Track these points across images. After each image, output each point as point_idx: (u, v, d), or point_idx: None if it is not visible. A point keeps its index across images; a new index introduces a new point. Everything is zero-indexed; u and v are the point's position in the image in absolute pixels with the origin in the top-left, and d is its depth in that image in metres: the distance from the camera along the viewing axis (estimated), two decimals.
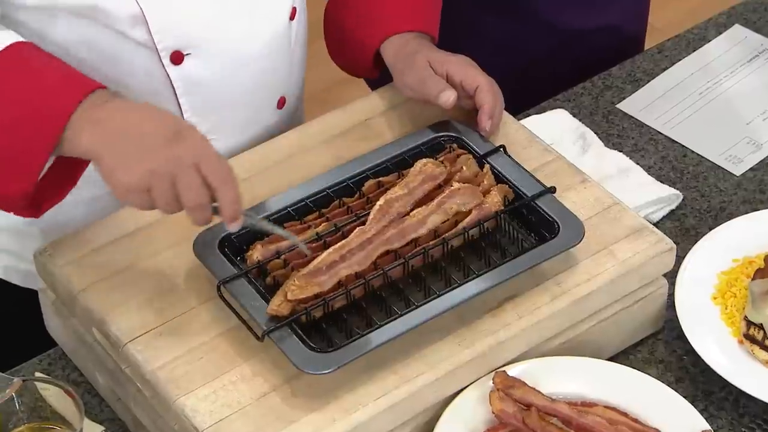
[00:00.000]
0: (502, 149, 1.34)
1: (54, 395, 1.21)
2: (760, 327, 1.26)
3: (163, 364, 1.19)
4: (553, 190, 1.30)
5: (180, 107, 1.34)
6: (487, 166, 1.32)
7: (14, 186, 1.18)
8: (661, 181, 1.49)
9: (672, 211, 1.46)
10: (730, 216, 1.44)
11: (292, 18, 1.38)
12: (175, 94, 1.33)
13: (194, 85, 1.33)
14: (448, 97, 1.33)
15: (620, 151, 1.52)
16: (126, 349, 1.21)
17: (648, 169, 1.51)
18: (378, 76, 1.47)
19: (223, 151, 1.38)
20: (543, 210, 1.28)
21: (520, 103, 1.57)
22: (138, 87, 1.30)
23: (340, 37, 1.46)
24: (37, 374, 1.31)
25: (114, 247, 1.29)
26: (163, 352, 1.20)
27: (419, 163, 1.30)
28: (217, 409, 1.16)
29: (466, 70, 1.36)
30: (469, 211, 1.27)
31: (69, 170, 1.23)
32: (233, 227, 1.16)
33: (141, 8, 1.26)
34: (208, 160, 1.13)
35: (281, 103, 1.42)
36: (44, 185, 1.20)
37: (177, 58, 1.30)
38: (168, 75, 1.31)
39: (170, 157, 1.12)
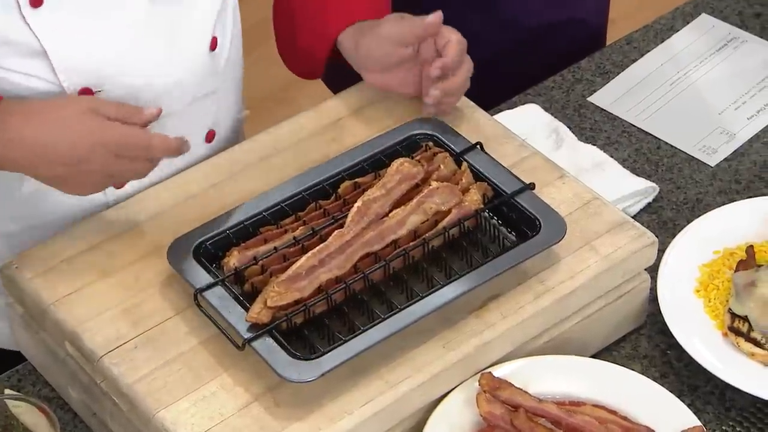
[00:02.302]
0: (478, 146, 1.32)
1: (26, 413, 1.18)
2: (745, 319, 1.25)
3: (141, 376, 1.16)
4: (532, 186, 1.28)
5: None
6: (464, 164, 1.29)
7: None
8: (637, 174, 1.48)
9: (648, 204, 1.45)
10: (707, 207, 1.43)
11: (212, 48, 1.31)
12: None
13: None
14: (437, 15, 1.28)
15: (593, 145, 1.51)
16: (101, 362, 1.17)
17: (622, 162, 1.49)
18: (320, 76, 1.44)
19: (146, 182, 1.33)
20: (523, 207, 1.26)
21: (490, 99, 1.55)
22: None
23: (292, 31, 1.41)
24: (7, 391, 1.27)
25: (84, 258, 1.25)
26: (140, 365, 1.17)
27: (396, 163, 1.28)
28: (199, 421, 1.13)
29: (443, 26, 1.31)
30: (449, 211, 1.25)
31: None
32: (186, 150, 1.21)
33: (42, 45, 1.20)
34: (118, 147, 1.17)
35: (210, 137, 1.37)
36: None
37: (86, 94, 1.24)
38: None
39: (91, 172, 1.17)
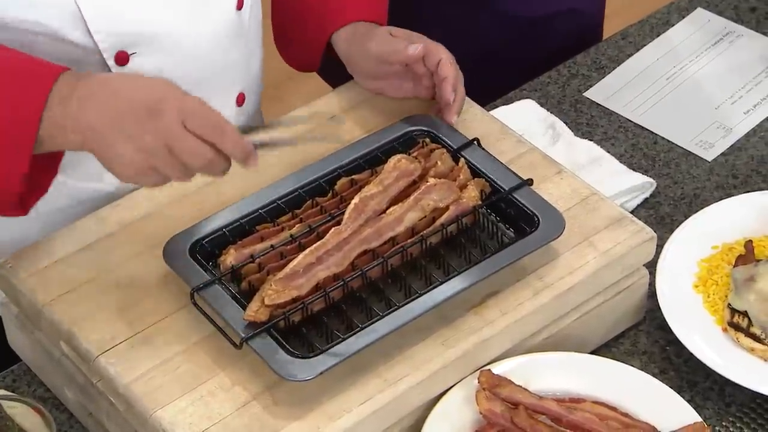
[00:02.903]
0: (476, 142, 1.31)
1: (22, 414, 1.16)
2: (745, 314, 1.25)
3: (138, 376, 1.15)
4: (530, 182, 1.27)
5: None
6: (462, 160, 1.29)
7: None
8: (633, 169, 1.47)
9: (646, 200, 1.44)
10: (705, 202, 1.42)
11: (239, 7, 1.33)
12: None
13: None
14: (416, 47, 1.31)
15: (590, 140, 1.50)
16: (97, 362, 1.16)
17: (619, 158, 1.48)
18: (317, 69, 1.45)
19: None
20: (521, 203, 1.25)
21: (486, 95, 1.54)
22: None
23: (290, 23, 1.42)
24: (2, 392, 1.26)
25: (79, 257, 1.24)
26: (136, 364, 1.16)
27: (393, 159, 1.27)
28: (197, 421, 1.12)
29: (427, 42, 1.33)
30: (447, 207, 1.24)
31: (49, 159, 1.17)
32: (252, 164, 1.12)
33: (78, 6, 1.21)
34: (192, 116, 1.09)
35: (240, 99, 1.37)
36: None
37: (122, 58, 1.25)
38: None
39: (155, 131, 1.08)
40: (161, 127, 1.09)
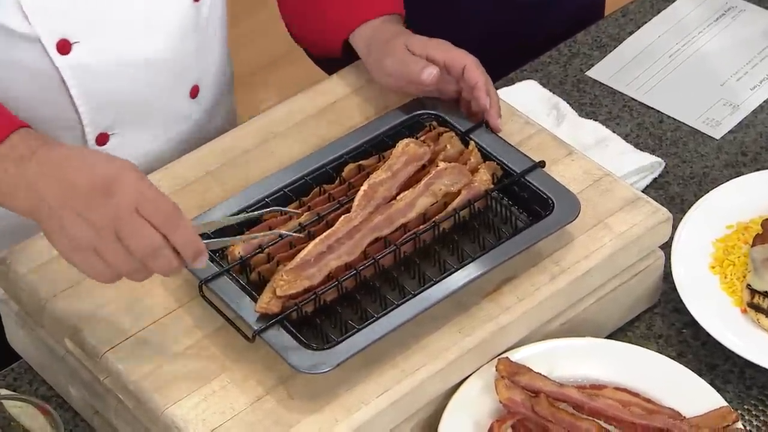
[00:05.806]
0: (484, 125, 1.28)
1: (26, 413, 1.13)
2: (765, 295, 1.22)
3: (147, 372, 1.11)
4: (542, 164, 1.24)
5: (73, 102, 1.23)
6: (472, 143, 1.25)
7: None
8: (640, 149, 1.44)
9: (654, 180, 1.42)
10: (714, 181, 1.40)
11: (196, 0, 1.28)
12: (66, 88, 1.22)
13: (87, 76, 1.22)
14: (430, 72, 1.25)
15: (595, 120, 1.47)
16: (105, 358, 1.13)
17: (625, 137, 1.46)
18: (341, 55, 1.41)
19: (132, 148, 1.29)
20: (535, 186, 1.22)
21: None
22: (26, 82, 1.20)
23: (306, 13, 1.38)
24: (4, 391, 1.22)
25: None
26: (145, 360, 1.12)
27: (401, 144, 1.23)
28: (210, 417, 1.09)
29: (448, 50, 1.28)
30: (458, 192, 1.21)
31: None
32: (199, 264, 1.06)
33: None
34: (147, 202, 1.03)
35: (194, 92, 1.32)
36: None
37: (64, 47, 1.19)
38: (56, 66, 1.20)
39: (105, 209, 1.03)
40: (112, 206, 1.03)
